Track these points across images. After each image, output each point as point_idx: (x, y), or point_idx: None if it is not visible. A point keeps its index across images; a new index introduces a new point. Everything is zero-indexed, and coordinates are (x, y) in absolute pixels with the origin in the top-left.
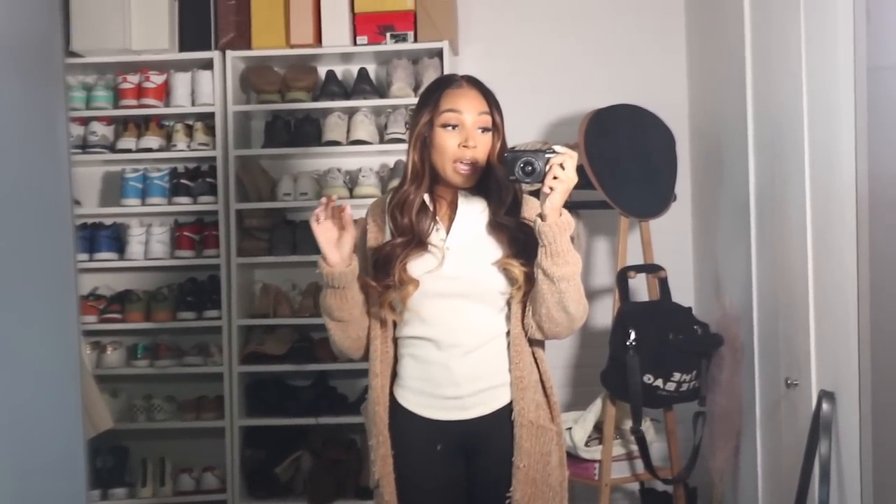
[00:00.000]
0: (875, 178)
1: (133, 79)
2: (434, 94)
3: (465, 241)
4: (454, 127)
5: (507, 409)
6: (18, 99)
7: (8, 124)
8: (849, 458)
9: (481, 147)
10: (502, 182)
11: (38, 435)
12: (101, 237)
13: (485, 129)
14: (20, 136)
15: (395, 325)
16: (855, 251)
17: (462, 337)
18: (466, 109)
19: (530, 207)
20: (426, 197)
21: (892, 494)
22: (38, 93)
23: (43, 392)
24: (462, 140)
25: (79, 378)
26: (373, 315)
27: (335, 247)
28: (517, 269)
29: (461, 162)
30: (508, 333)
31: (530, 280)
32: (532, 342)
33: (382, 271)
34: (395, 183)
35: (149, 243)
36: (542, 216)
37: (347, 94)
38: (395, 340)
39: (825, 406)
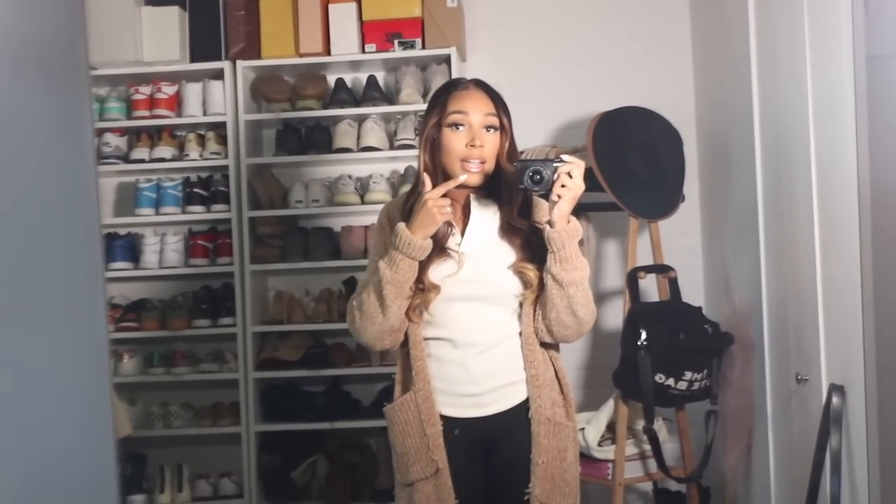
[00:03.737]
0: (877, 170)
1: (145, 90)
2: (441, 97)
3: (480, 246)
4: (461, 126)
5: (524, 406)
6: (45, 106)
7: (37, 131)
8: (858, 450)
9: (488, 147)
10: (512, 183)
11: (69, 442)
12: (116, 247)
13: (492, 129)
14: (48, 143)
15: None
16: (858, 246)
17: (478, 337)
18: (472, 110)
19: (542, 209)
20: None
21: None
22: (65, 100)
23: (75, 399)
24: (469, 140)
25: (109, 384)
26: None
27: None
28: (531, 273)
29: (469, 160)
30: (521, 334)
31: (543, 283)
32: (543, 343)
33: None
34: (406, 188)
35: (163, 252)
36: (550, 223)
37: (357, 102)
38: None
39: (835, 399)
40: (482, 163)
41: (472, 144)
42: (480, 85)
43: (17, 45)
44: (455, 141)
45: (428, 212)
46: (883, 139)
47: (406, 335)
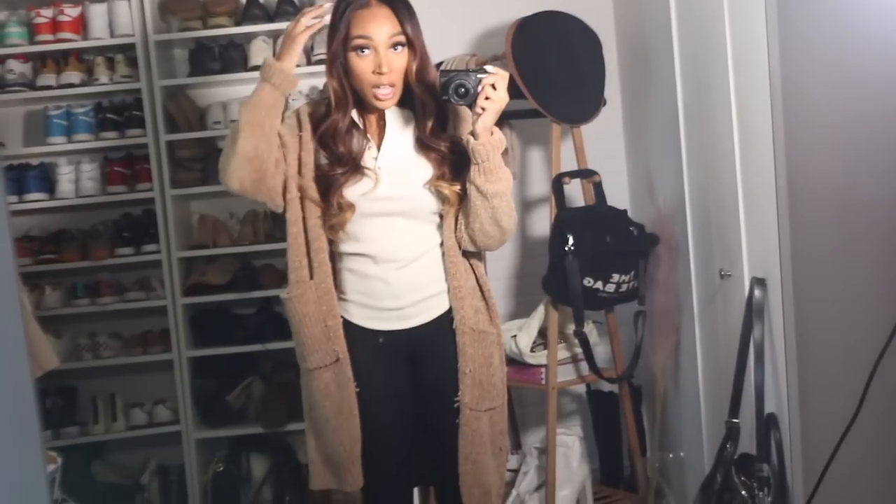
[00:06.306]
0: (788, 67)
1: (47, 13)
2: (343, 17)
3: (397, 161)
4: (366, 50)
5: (447, 317)
6: None
7: None
8: (779, 339)
9: (396, 70)
10: (424, 100)
11: None
12: (29, 178)
13: (399, 46)
14: None
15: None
16: (772, 143)
17: (398, 252)
18: (376, 32)
19: (465, 120)
20: (354, 114)
21: (816, 371)
22: None
23: None
24: (375, 67)
25: (20, 318)
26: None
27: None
28: (447, 189)
29: (378, 88)
30: (442, 245)
31: (461, 198)
32: (466, 253)
33: (322, 197)
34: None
35: (79, 181)
36: (474, 134)
37: (270, 17)
38: (333, 254)
39: (757, 292)
40: (392, 86)
41: (379, 72)
42: None
43: None
44: (362, 66)
45: (287, 35)
46: (793, 41)
47: (305, 224)
